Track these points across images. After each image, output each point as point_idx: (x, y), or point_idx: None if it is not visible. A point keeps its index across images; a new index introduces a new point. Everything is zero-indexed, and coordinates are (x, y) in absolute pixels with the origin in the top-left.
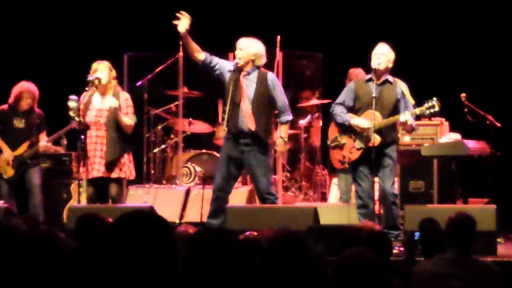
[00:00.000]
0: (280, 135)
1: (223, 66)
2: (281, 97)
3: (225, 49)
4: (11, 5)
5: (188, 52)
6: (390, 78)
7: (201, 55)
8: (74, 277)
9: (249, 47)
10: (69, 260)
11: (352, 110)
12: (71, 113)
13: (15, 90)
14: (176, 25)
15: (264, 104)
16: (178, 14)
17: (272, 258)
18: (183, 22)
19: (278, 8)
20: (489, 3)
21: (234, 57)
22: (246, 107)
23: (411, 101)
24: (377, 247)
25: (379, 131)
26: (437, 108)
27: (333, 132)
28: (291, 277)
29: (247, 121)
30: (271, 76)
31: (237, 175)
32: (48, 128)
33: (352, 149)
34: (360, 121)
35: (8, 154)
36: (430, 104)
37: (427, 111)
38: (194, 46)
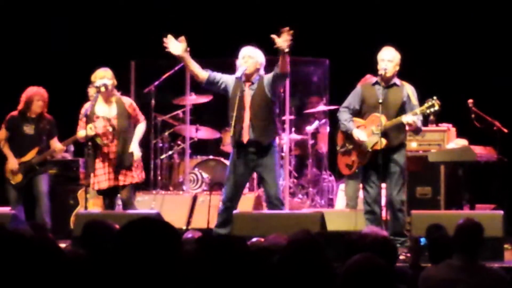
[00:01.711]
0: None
1: (227, 80)
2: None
3: (231, 56)
4: (17, 12)
5: (190, 73)
6: (397, 81)
7: (204, 73)
8: (74, 282)
9: (257, 56)
10: (67, 266)
11: (359, 113)
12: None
13: (25, 95)
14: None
15: (264, 107)
16: (165, 40)
17: (289, 258)
18: (174, 45)
19: (284, 14)
20: (493, 6)
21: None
22: (249, 118)
23: (414, 103)
24: (382, 253)
25: (384, 134)
26: (437, 107)
27: (341, 138)
28: (305, 279)
29: (251, 131)
30: (267, 75)
31: (245, 184)
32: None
33: (360, 154)
34: (358, 134)
35: (13, 163)
36: (430, 103)
37: (427, 110)
38: (196, 66)
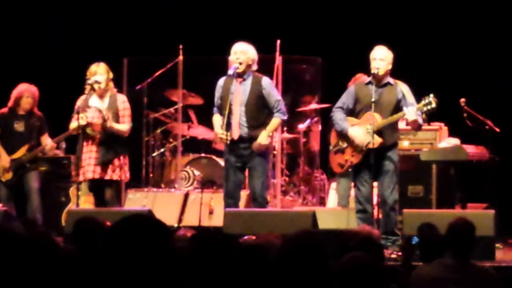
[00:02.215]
0: (267, 127)
1: (220, 88)
2: (275, 97)
3: (224, 53)
4: (10, 8)
5: None
6: (391, 80)
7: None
8: (69, 279)
9: (249, 52)
10: (63, 262)
11: (353, 112)
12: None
13: (15, 91)
14: None
15: (258, 108)
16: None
17: (287, 256)
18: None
19: (278, 12)
20: (487, 5)
21: (228, 62)
22: (240, 113)
23: (410, 100)
24: (368, 253)
25: (379, 132)
26: (434, 105)
27: (335, 137)
28: (302, 278)
29: (242, 127)
30: (265, 80)
31: (242, 179)
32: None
33: (353, 152)
34: (355, 135)
35: (5, 160)
36: (427, 101)
37: (424, 108)
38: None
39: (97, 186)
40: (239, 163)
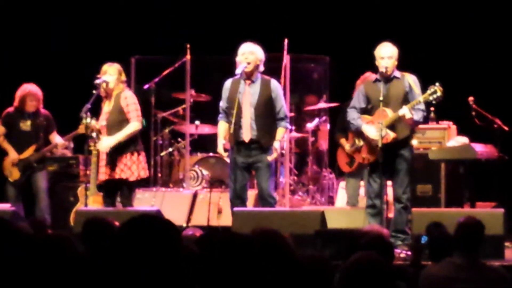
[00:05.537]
0: (277, 138)
1: (226, 91)
2: (281, 102)
3: (232, 52)
4: (17, 12)
5: None
6: (397, 73)
7: (226, 123)
8: (84, 281)
9: (257, 52)
10: (80, 264)
11: (366, 110)
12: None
13: (19, 93)
14: None
15: (267, 110)
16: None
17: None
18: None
19: (285, 11)
20: (496, 2)
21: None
22: (249, 115)
23: (417, 92)
24: (378, 252)
25: (392, 127)
26: (439, 93)
27: (351, 136)
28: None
29: (251, 129)
30: (274, 82)
31: (248, 179)
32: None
33: (370, 150)
34: (368, 130)
35: (14, 156)
36: (432, 90)
37: (430, 97)
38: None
39: (108, 187)
40: (245, 163)
